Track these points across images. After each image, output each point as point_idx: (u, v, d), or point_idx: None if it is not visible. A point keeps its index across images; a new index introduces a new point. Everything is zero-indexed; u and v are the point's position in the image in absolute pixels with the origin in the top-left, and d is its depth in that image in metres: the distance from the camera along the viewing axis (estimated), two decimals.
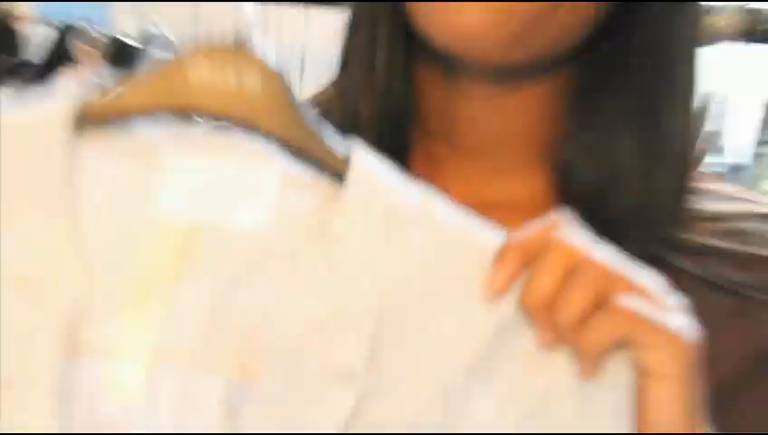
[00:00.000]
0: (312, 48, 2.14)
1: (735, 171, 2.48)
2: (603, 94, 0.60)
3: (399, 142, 0.62)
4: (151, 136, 0.52)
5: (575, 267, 0.43)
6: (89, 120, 0.48)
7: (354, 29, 0.71)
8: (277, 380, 0.49)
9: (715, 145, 2.11)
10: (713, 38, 1.64)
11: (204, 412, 0.50)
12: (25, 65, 1.78)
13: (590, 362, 0.45)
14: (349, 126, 0.66)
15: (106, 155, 0.55)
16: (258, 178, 0.51)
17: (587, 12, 0.54)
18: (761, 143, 2.22)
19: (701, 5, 0.65)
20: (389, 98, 0.72)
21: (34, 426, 0.53)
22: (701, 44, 0.66)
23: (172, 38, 1.82)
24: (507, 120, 0.60)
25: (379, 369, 0.48)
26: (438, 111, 0.64)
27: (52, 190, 0.56)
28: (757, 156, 2.26)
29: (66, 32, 1.79)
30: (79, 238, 0.48)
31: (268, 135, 0.48)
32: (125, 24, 1.87)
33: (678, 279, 0.55)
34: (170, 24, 1.87)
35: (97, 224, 0.50)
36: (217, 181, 0.52)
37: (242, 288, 0.49)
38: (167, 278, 0.49)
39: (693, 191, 0.67)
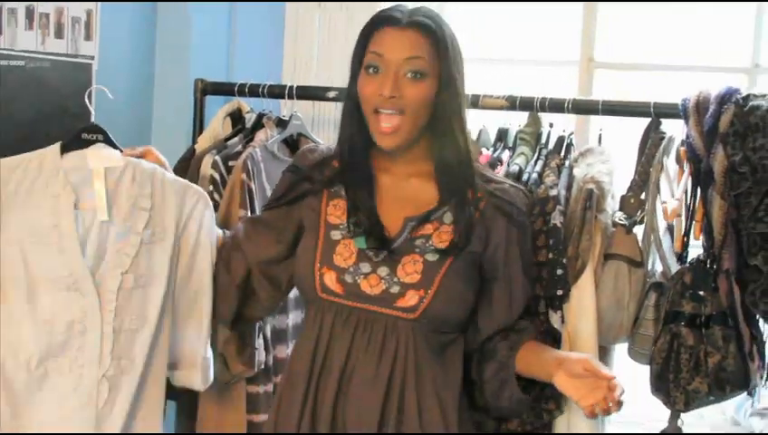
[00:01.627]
0: None
1: None
2: (435, 132, 1.95)
3: (368, 167, 2.02)
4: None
5: None
6: None
7: (343, 119, 2.03)
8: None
9: None
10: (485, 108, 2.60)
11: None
12: (245, 128, 2.86)
13: None
14: (347, 162, 2.03)
15: None
16: None
17: (422, 114, 1.93)
18: None
19: (468, 97, 2.03)
20: (362, 148, 2.01)
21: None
22: (466, 112, 1.99)
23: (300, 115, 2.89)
24: (411, 154, 2.01)
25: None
26: (378, 157, 2.02)
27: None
28: None
29: (261, 115, 2.86)
30: None
31: None
32: (285, 112, 2.95)
33: (482, 196, 1.98)
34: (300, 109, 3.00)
35: None
36: None
37: None
38: None
39: (477, 168, 2.02)
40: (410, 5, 1.98)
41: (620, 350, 2.55)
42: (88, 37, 3.00)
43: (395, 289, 1.96)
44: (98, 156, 2.09)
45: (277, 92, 2.98)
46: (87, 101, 2.22)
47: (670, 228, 2.49)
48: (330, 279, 1.99)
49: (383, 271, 1.97)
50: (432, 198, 2.01)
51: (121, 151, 2.14)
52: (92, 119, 3.02)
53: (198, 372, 2.22)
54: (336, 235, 2.02)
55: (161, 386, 2.15)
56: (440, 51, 1.94)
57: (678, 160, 2.43)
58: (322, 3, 3.37)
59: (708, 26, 3.13)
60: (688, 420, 2.50)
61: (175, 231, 2.13)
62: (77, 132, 2.12)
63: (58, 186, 2.04)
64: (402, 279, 1.96)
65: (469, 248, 1.98)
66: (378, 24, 1.95)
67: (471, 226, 1.98)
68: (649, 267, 2.46)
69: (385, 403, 1.95)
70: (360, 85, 1.95)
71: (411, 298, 1.94)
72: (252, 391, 2.75)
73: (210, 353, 2.25)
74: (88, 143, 2.11)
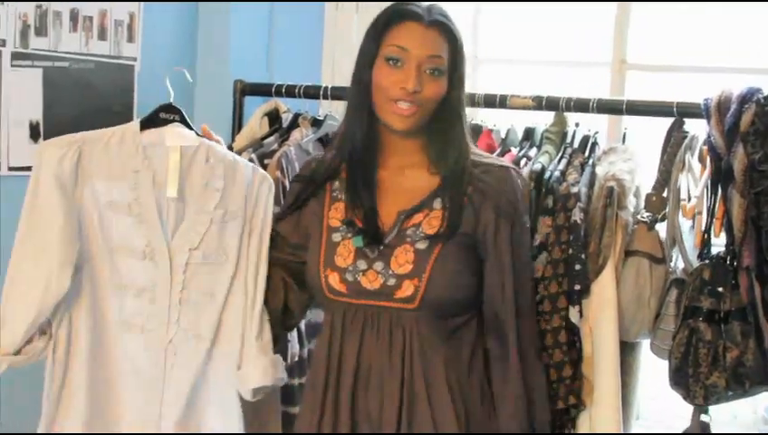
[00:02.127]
0: None
1: None
2: (438, 125, 2.04)
3: (373, 155, 2.10)
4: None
5: None
6: None
7: (351, 108, 2.10)
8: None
9: None
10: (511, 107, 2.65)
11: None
12: (281, 128, 2.96)
13: None
14: (350, 152, 2.11)
15: None
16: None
17: (433, 108, 2.01)
18: None
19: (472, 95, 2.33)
20: (366, 138, 2.09)
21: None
22: (465, 106, 2.08)
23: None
24: (409, 145, 2.09)
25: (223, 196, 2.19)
26: (385, 143, 2.10)
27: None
28: None
29: (297, 115, 2.96)
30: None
31: None
32: (323, 111, 3.03)
33: (473, 178, 2.04)
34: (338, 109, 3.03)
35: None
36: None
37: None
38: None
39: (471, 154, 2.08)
40: (423, 3, 2.05)
41: (647, 345, 2.59)
42: (130, 39, 3.13)
43: (391, 281, 2.02)
44: (174, 134, 2.18)
45: (312, 93, 3.05)
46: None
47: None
48: (334, 280, 2.07)
49: (378, 265, 2.04)
50: (424, 188, 2.08)
51: (197, 134, 2.23)
52: (134, 118, 3.15)
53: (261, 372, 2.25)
54: (336, 236, 2.11)
55: (231, 363, 2.22)
56: (456, 52, 2.03)
57: (701, 159, 2.45)
58: (361, 3, 3.43)
59: (742, 27, 3.12)
60: (721, 418, 2.51)
61: (245, 213, 2.22)
62: (155, 111, 2.21)
63: (138, 160, 2.14)
64: (396, 271, 2.02)
65: (460, 231, 2.04)
66: (398, 17, 2.01)
67: (460, 210, 2.03)
68: (672, 264, 2.48)
69: (402, 392, 2.02)
70: (378, 75, 2.00)
71: (407, 288, 2.01)
72: (287, 383, 2.79)
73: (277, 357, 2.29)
74: (165, 122, 2.20)
